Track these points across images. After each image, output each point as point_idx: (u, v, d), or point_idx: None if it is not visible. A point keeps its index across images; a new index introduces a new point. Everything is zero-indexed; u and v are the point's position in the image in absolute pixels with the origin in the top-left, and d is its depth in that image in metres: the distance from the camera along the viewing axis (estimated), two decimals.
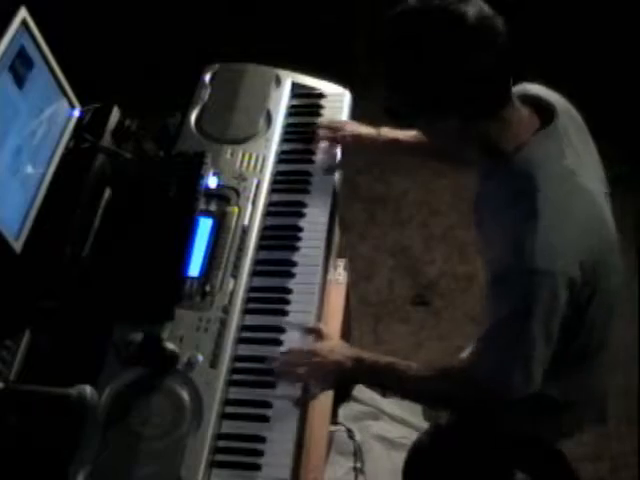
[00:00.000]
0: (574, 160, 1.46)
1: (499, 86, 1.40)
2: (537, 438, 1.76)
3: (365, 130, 1.97)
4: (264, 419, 1.58)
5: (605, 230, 1.51)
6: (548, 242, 1.39)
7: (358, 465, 2.48)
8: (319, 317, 1.77)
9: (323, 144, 1.99)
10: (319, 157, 1.98)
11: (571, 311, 1.46)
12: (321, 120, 2.04)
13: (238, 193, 1.87)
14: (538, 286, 1.39)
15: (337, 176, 1.97)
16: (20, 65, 1.72)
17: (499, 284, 1.47)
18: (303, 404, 1.62)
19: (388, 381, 1.67)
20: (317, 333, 1.70)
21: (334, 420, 2.51)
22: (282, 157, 2.00)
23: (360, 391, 2.65)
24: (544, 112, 1.49)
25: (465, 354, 1.70)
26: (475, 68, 1.34)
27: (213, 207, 1.85)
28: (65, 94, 1.90)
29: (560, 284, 1.40)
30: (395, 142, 1.92)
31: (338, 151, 1.99)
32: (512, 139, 1.45)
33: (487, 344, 1.52)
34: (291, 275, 1.79)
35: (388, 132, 1.93)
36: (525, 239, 1.39)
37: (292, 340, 1.69)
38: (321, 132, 2.00)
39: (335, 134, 1.98)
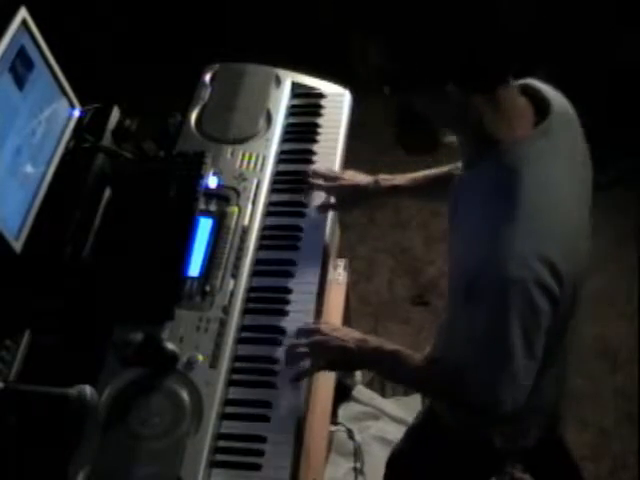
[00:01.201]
0: (562, 168, 1.41)
1: (498, 58, 1.33)
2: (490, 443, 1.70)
3: (363, 179, 1.88)
4: (264, 419, 1.58)
5: (578, 247, 1.43)
6: (523, 248, 1.31)
7: (358, 465, 2.48)
8: (319, 317, 1.78)
9: (317, 194, 1.91)
10: (312, 209, 1.89)
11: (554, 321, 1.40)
12: (315, 168, 1.94)
13: (238, 193, 1.87)
14: (512, 294, 1.32)
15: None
16: (20, 65, 1.72)
17: (471, 290, 1.38)
18: (303, 403, 1.62)
19: (389, 369, 1.65)
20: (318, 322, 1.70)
21: (334, 420, 2.51)
22: (282, 157, 2.00)
23: (360, 391, 2.66)
24: (540, 107, 1.44)
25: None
26: (474, 33, 1.29)
27: (213, 207, 1.85)
28: (65, 94, 1.90)
29: (535, 293, 1.32)
30: (394, 189, 1.85)
31: (332, 200, 1.90)
32: (505, 129, 1.38)
33: (469, 361, 1.45)
34: (291, 275, 1.79)
35: (386, 179, 1.86)
36: (497, 245, 1.32)
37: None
38: (316, 182, 1.91)
39: (331, 184, 1.90)
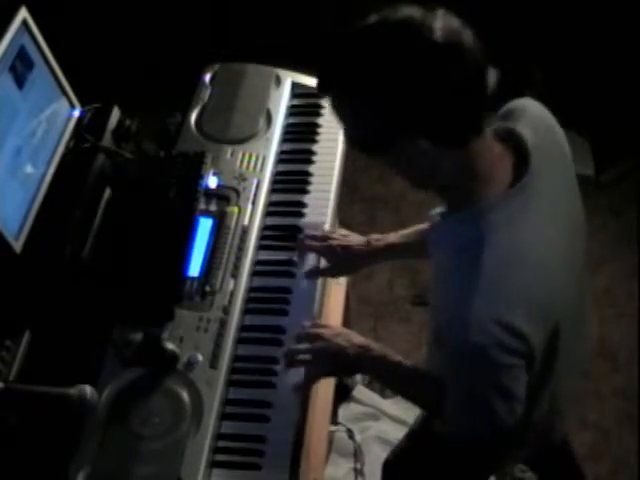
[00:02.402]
0: (540, 224, 1.35)
1: (467, 108, 1.25)
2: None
3: (355, 239, 1.81)
4: (264, 419, 1.58)
5: (559, 300, 1.38)
6: (481, 315, 1.29)
7: (358, 466, 2.48)
8: (319, 317, 1.78)
9: (308, 254, 1.82)
10: (302, 270, 1.80)
11: (530, 368, 1.38)
12: (307, 231, 1.84)
13: (238, 193, 1.87)
14: (475, 359, 1.31)
15: (336, 177, 1.97)
16: (20, 65, 1.72)
17: (442, 347, 1.38)
18: (303, 403, 1.62)
19: (389, 379, 1.66)
20: (320, 324, 1.70)
21: (334, 420, 2.51)
22: (282, 157, 2.00)
23: (360, 392, 2.66)
24: (519, 151, 1.36)
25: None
26: (439, 85, 1.21)
27: (213, 207, 1.85)
28: (65, 94, 1.90)
29: (497, 354, 1.30)
30: (387, 248, 1.78)
31: (322, 263, 1.82)
32: (479, 186, 1.32)
33: (452, 406, 1.44)
34: (291, 275, 1.79)
35: (378, 239, 1.79)
36: (459, 309, 1.30)
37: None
38: (307, 242, 1.82)
39: (322, 245, 1.80)
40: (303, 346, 1.63)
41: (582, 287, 1.53)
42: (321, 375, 1.67)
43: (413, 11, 1.23)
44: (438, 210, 1.49)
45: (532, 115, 1.45)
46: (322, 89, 1.31)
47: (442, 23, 1.21)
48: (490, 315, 1.29)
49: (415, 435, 1.90)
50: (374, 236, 1.81)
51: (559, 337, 1.41)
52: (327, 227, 1.87)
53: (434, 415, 1.65)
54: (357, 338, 1.62)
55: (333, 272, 1.84)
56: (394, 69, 1.21)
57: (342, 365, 1.62)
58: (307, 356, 1.62)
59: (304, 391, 1.63)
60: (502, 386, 1.35)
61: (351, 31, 1.27)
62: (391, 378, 1.63)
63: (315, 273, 1.79)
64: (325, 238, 1.81)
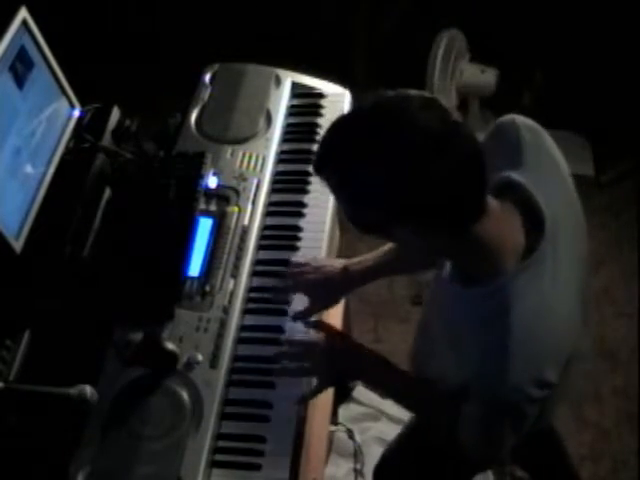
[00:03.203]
0: (553, 288, 1.33)
1: (463, 201, 1.22)
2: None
3: (329, 269, 1.71)
4: (264, 419, 1.58)
5: (575, 343, 1.40)
6: (517, 378, 1.29)
7: (358, 466, 2.48)
8: (319, 317, 1.77)
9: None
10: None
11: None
12: (287, 272, 1.77)
13: (238, 193, 1.87)
14: (505, 412, 1.34)
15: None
16: (20, 65, 1.72)
17: (468, 399, 1.38)
18: (303, 403, 1.62)
19: (384, 387, 1.66)
20: (321, 327, 1.69)
21: (334, 420, 2.51)
22: (282, 157, 2.00)
23: (360, 392, 2.65)
24: (529, 213, 1.33)
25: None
26: (431, 180, 1.17)
27: (213, 207, 1.85)
28: (65, 94, 1.90)
29: (527, 408, 1.33)
30: (365, 273, 1.71)
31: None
32: (491, 264, 1.30)
33: (465, 429, 1.45)
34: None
35: (356, 264, 1.72)
36: (490, 370, 1.30)
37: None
38: (281, 283, 1.75)
39: (297, 282, 1.73)
40: (298, 351, 1.63)
41: (587, 310, 1.52)
42: (323, 388, 1.65)
43: (410, 100, 1.21)
44: (444, 267, 1.44)
45: (528, 146, 1.40)
46: (315, 169, 1.30)
47: (433, 116, 1.19)
48: (525, 375, 1.30)
49: (406, 439, 1.91)
50: (353, 260, 1.73)
51: (570, 362, 1.42)
52: (328, 219, 1.85)
53: (426, 424, 1.66)
54: (356, 346, 1.62)
55: (315, 308, 1.73)
56: (383, 159, 1.19)
57: (340, 374, 1.63)
58: (302, 364, 1.61)
59: (304, 384, 1.63)
60: (520, 427, 1.38)
61: (345, 118, 1.27)
62: (387, 387, 1.64)
63: (302, 315, 1.71)
64: (299, 274, 1.73)
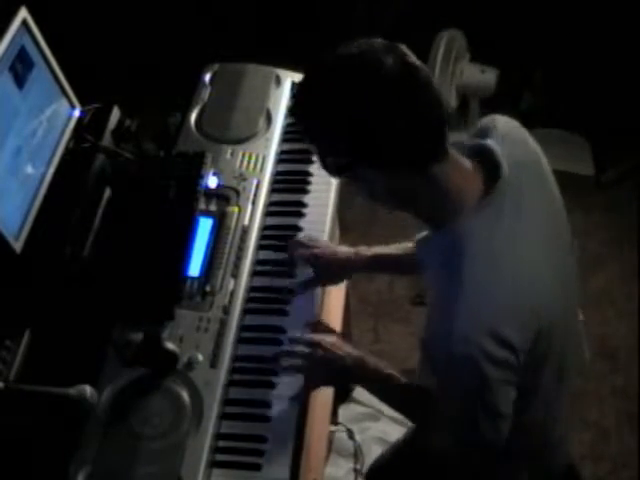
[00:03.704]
0: (516, 232, 1.36)
1: (420, 141, 1.29)
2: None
3: (341, 248, 1.82)
4: (264, 419, 1.58)
5: (544, 307, 1.38)
6: (464, 326, 1.30)
7: (358, 467, 2.48)
8: (319, 317, 1.78)
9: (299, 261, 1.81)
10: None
11: (519, 378, 1.37)
12: (297, 238, 1.84)
13: (238, 193, 1.87)
14: (460, 372, 1.32)
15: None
16: (20, 65, 1.72)
17: (428, 360, 1.41)
18: (303, 403, 1.62)
19: (382, 392, 1.66)
20: (320, 327, 1.69)
21: (334, 420, 2.51)
22: (282, 157, 2.00)
23: (360, 392, 2.65)
24: (491, 166, 1.38)
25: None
26: (391, 119, 1.26)
27: (213, 207, 1.85)
28: (65, 94, 1.89)
29: (484, 365, 1.30)
30: (373, 257, 1.79)
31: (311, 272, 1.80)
32: (448, 206, 1.35)
33: (437, 421, 1.45)
34: (291, 275, 1.79)
35: (366, 250, 1.80)
36: (443, 320, 1.32)
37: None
38: (296, 250, 1.81)
39: (310, 252, 1.79)
40: (299, 349, 1.62)
41: (573, 297, 1.53)
42: (319, 384, 1.67)
43: (370, 46, 1.29)
44: (424, 233, 1.50)
45: (502, 129, 1.46)
46: (291, 111, 1.39)
47: (393, 58, 1.26)
48: (477, 324, 1.29)
49: (400, 449, 1.90)
50: (362, 247, 1.81)
51: (548, 344, 1.40)
52: (326, 236, 1.87)
53: (422, 429, 1.65)
54: (352, 350, 1.61)
55: (320, 281, 1.80)
56: (345, 100, 1.27)
57: (339, 375, 1.63)
58: (303, 362, 1.61)
59: (302, 399, 1.62)
60: (488, 402, 1.35)
61: (318, 62, 1.33)
62: (383, 391, 1.64)
63: (303, 287, 1.77)
64: (311, 246, 1.80)
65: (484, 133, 1.46)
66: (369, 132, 1.27)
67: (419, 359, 1.63)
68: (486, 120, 1.51)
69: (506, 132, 1.46)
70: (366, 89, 1.26)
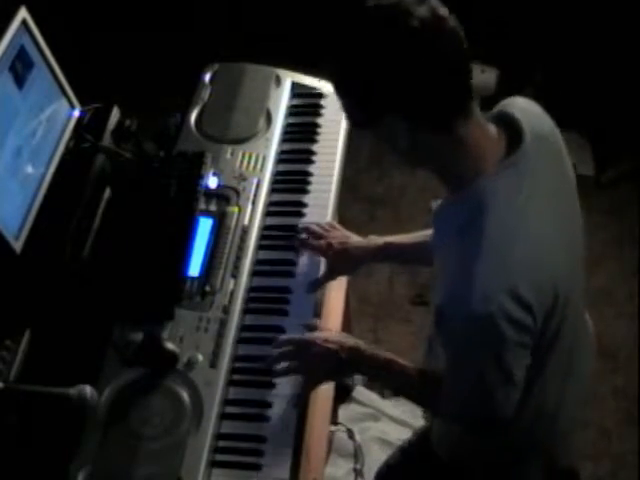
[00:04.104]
0: (535, 197, 1.37)
1: (446, 94, 1.30)
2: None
3: (353, 238, 1.82)
4: (264, 419, 1.58)
5: (559, 272, 1.38)
6: (486, 283, 1.30)
7: (358, 467, 2.48)
8: (319, 317, 1.78)
9: (306, 252, 1.83)
10: (301, 267, 1.81)
11: (534, 342, 1.37)
12: (304, 224, 1.86)
13: (238, 193, 1.87)
14: (479, 330, 1.31)
15: (336, 177, 1.97)
16: (20, 65, 1.72)
17: (444, 326, 1.39)
18: (303, 404, 1.62)
19: (383, 378, 1.65)
20: (314, 328, 1.69)
21: (334, 420, 2.51)
22: (282, 157, 2.00)
23: (360, 392, 2.66)
24: (514, 135, 1.39)
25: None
26: (418, 68, 1.27)
27: (213, 207, 1.85)
28: (65, 94, 1.90)
29: (503, 325, 1.30)
30: (385, 245, 1.79)
31: (322, 261, 1.82)
32: (471, 166, 1.35)
33: (449, 389, 1.45)
34: (291, 275, 1.79)
35: (377, 239, 1.80)
36: (463, 280, 1.32)
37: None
38: (304, 239, 1.83)
39: (320, 242, 1.80)
40: (287, 349, 1.61)
41: (582, 277, 1.53)
42: (319, 382, 1.66)
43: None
44: (439, 201, 1.50)
45: (522, 103, 1.48)
46: (322, 62, 1.37)
47: (424, 10, 1.27)
48: (497, 282, 1.29)
49: (408, 450, 1.90)
50: (373, 236, 1.82)
51: (562, 319, 1.41)
52: (329, 219, 1.87)
53: (427, 410, 1.64)
54: (347, 340, 1.60)
55: (332, 272, 1.82)
56: (375, 50, 1.28)
57: (336, 369, 1.61)
58: (296, 362, 1.60)
59: (302, 399, 1.62)
60: (504, 365, 1.34)
61: (345, 13, 1.34)
62: (385, 376, 1.63)
63: (316, 284, 1.79)
64: (323, 236, 1.81)
65: (505, 108, 1.47)
66: (397, 80, 1.28)
67: (426, 344, 1.62)
68: (505, 100, 1.51)
69: (526, 106, 1.47)
70: (395, 38, 1.26)
